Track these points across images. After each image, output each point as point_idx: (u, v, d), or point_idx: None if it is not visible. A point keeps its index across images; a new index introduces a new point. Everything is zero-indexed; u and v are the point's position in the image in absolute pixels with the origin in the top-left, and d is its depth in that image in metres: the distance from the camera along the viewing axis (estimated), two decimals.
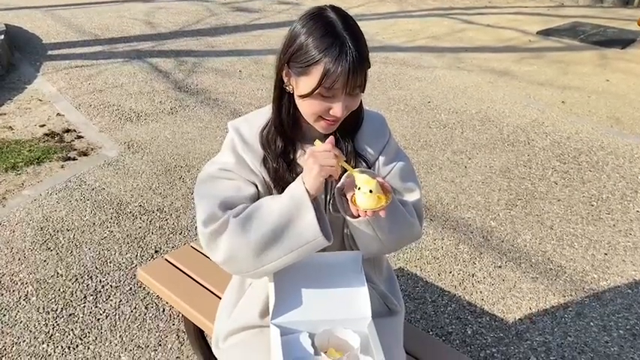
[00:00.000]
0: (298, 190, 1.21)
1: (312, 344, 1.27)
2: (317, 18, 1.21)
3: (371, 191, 1.16)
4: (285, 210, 1.21)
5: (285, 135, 1.33)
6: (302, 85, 1.22)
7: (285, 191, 1.24)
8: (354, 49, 1.17)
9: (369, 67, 1.24)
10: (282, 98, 1.30)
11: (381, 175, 1.37)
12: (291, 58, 1.22)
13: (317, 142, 1.23)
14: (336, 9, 1.23)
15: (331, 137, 1.22)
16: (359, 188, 1.17)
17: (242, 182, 1.32)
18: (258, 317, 1.43)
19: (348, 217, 1.27)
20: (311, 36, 1.18)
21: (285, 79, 1.27)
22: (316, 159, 1.18)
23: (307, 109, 1.25)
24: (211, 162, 1.38)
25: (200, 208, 1.30)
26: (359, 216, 1.23)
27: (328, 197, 1.36)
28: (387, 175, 1.40)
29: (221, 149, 1.39)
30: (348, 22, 1.21)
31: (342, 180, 1.24)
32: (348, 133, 1.37)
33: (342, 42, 1.17)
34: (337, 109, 1.22)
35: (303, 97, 1.22)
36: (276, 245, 1.22)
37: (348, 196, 1.22)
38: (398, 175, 1.41)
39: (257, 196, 1.33)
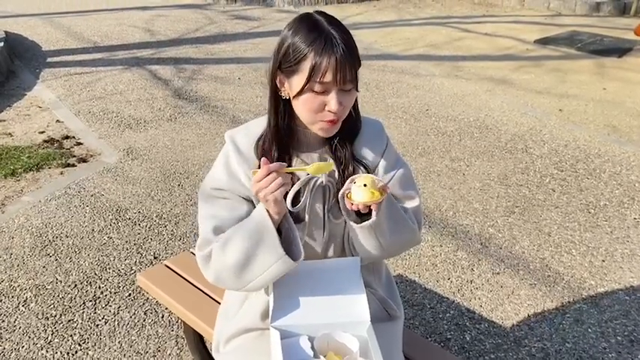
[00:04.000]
0: (260, 214, 1.25)
1: (312, 347, 1.28)
2: (302, 20, 1.25)
3: (365, 185, 1.18)
4: (251, 234, 1.26)
5: (281, 143, 1.34)
6: (295, 83, 1.24)
7: (252, 214, 1.29)
8: (341, 40, 1.20)
9: (360, 65, 1.26)
10: (279, 106, 1.32)
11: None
12: (281, 61, 1.25)
13: (253, 172, 1.22)
14: (321, 12, 1.26)
15: (263, 159, 1.20)
16: (354, 182, 1.20)
17: (236, 201, 1.35)
18: (260, 320, 1.44)
19: (351, 223, 1.28)
20: (297, 35, 1.22)
21: (279, 85, 1.29)
22: (263, 191, 1.19)
23: (304, 108, 1.26)
24: (208, 177, 1.41)
25: (200, 229, 1.38)
26: (358, 216, 1.25)
27: (326, 206, 1.37)
28: (387, 182, 1.41)
29: (216, 160, 1.41)
30: (334, 20, 1.25)
31: (345, 185, 1.26)
32: (347, 138, 1.38)
33: (326, 34, 1.20)
34: (332, 104, 1.23)
35: (297, 95, 1.24)
36: (250, 267, 1.27)
37: (345, 193, 1.25)
38: (398, 182, 1.42)
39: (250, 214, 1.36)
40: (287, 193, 1.24)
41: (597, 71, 6.55)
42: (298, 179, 1.31)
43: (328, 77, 1.19)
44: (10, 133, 4.26)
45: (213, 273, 1.33)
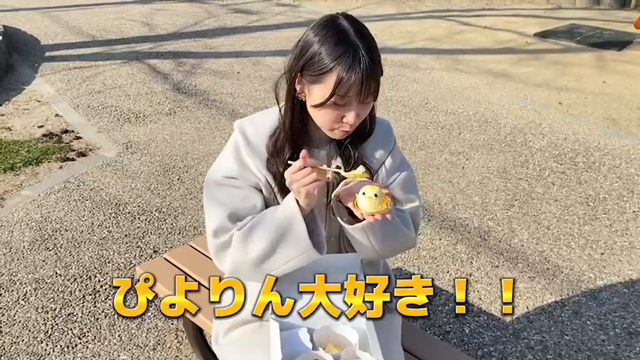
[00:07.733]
0: (290, 205, 1.24)
1: (311, 340, 1.28)
2: (330, 26, 1.20)
3: (376, 195, 1.18)
4: (279, 224, 1.25)
5: (295, 142, 1.34)
6: (315, 93, 1.22)
7: (281, 205, 1.28)
8: (367, 56, 1.17)
9: (382, 74, 1.23)
10: (295, 107, 1.30)
11: (379, 183, 1.38)
12: (304, 66, 1.22)
13: (291, 163, 1.23)
14: (348, 17, 1.23)
15: (303, 151, 1.20)
16: (363, 193, 1.18)
17: (248, 190, 1.35)
18: None
19: (343, 223, 1.28)
20: (324, 44, 1.18)
21: (298, 88, 1.27)
22: (297, 183, 1.19)
23: (321, 117, 1.26)
24: (217, 165, 1.40)
25: (210, 216, 1.34)
26: (359, 220, 1.25)
27: (329, 200, 1.37)
28: (390, 183, 1.41)
29: (225, 149, 1.40)
30: (361, 29, 1.21)
31: (339, 187, 1.26)
32: (358, 140, 1.38)
33: (355, 49, 1.17)
34: (350, 117, 1.22)
35: (316, 106, 1.23)
36: (273, 257, 1.27)
37: (348, 203, 1.23)
38: (401, 184, 1.43)
39: (263, 204, 1.35)
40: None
41: (597, 64, 6.54)
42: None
43: (352, 93, 1.18)
44: (9, 128, 4.25)
45: (230, 264, 1.32)
